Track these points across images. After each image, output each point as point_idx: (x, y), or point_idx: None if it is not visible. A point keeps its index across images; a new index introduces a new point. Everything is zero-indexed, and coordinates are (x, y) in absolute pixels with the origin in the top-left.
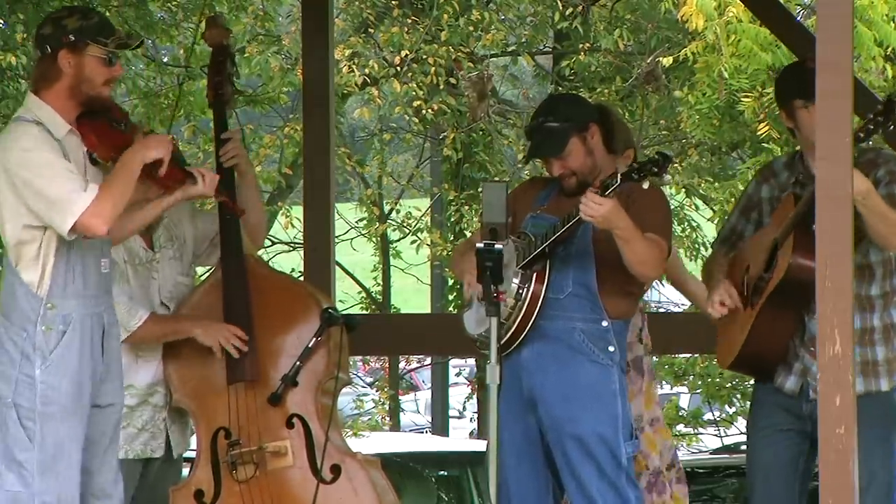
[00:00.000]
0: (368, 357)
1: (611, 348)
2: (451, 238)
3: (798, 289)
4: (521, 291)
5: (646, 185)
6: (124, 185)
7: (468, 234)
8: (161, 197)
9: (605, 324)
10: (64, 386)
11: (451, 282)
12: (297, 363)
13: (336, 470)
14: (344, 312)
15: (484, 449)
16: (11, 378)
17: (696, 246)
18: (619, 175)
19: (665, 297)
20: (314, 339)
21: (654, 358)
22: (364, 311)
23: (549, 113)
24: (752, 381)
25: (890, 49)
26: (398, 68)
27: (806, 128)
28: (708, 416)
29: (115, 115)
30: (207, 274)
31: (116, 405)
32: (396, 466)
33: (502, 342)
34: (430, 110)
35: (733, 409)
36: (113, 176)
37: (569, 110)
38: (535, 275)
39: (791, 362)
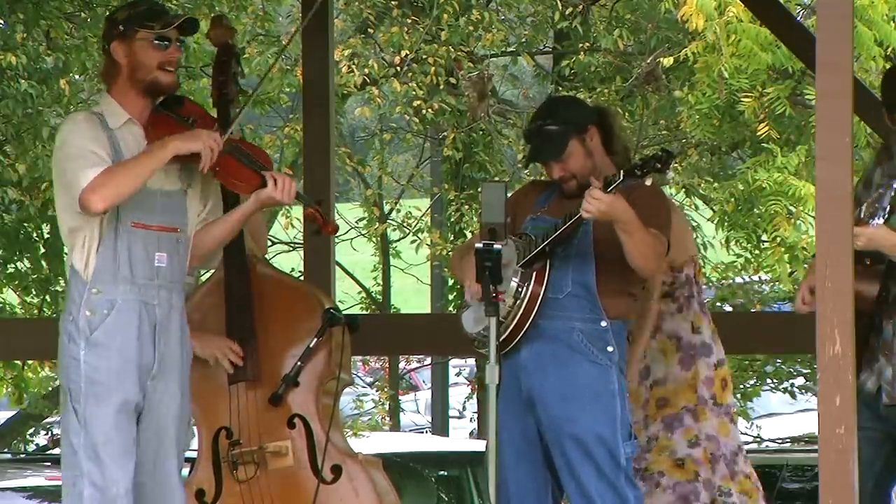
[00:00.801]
0: (368, 357)
1: (609, 348)
2: (451, 238)
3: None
4: (520, 290)
5: (648, 182)
6: (136, 168)
7: (468, 234)
8: (237, 208)
9: (603, 324)
10: (105, 367)
11: (451, 282)
12: (299, 363)
13: (337, 470)
14: (345, 312)
15: (484, 449)
16: (63, 364)
17: (697, 246)
18: (621, 172)
19: None
20: (315, 339)
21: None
22: (364, 311)
23: (548, 116)
24: (751, 382)
25: (890, 49)
26: (398, 68)
27: None
28: None
29: (185, 111)
30: (210, 275)
31: (171, 408)
32: (396, 466)
33: (500, 340)
34: (430, 110)
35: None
36: (131, 158)
37: (567, 113)
38: (534, 274)
39: (871, 363)
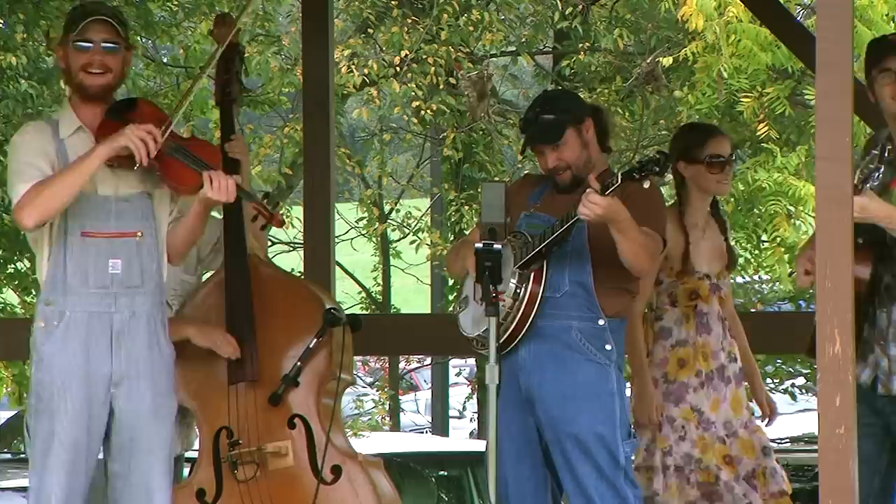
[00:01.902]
0: (368, 357)
1: (608, 347)
2: (451, 238)
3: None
4: (518, 291)
5: (646, 185)
6: (65, 180)
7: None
8: (191, 211)
9: (601, 322)
10: (48, 383)
11: (451, 282)
12: (298, 364)
13: (337, 471)
14: (348, 312)
15: (484, 449)
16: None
17: None
18: (619, 175)
19: None
20: (315, 339)
21: (738, 364)
22: (364, 311)
23: (545, 105)
24: None
25: None
26: (398, 68)
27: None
28: None
29: (135, 115)
30: (211, 273)
31: (141, 411)
32: (396, 466)
33: (500, 341)
34: (429, 110)
35: None
36: (61, 170)
37: (564, 103)
38: (532, 274)
39: (866, 354)
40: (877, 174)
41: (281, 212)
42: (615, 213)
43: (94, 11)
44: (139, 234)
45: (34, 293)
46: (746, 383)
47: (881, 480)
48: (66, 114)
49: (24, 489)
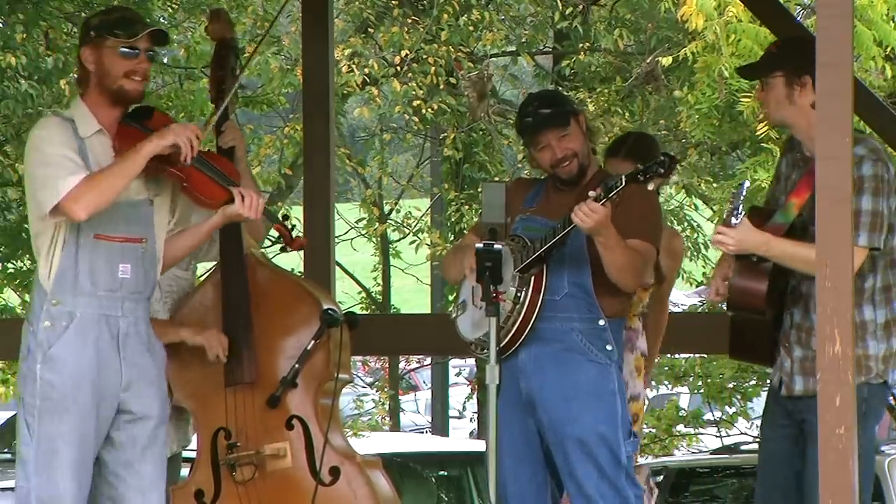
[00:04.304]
0: (368, 357)
1: (609, 347)
2: (451, 238)
3: (746, 307)
4: (518, 295)
5: (651, 187)
6: (117, 174)
7: None
8: (204, 221)
9: (602, 323)
10: (59, 383)
11: None
12: (296, 365)
13: (335, 472)
14: (345, 310)
15: (484, 449)
16: (22, 373)
17: (697, 246)
18: (623, 178)
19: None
20: (312, 341)
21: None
22: (364, 311)
23: (541, 100)
24: (751, 382)
25: (890, 49)
26: (398, 68)
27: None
28: (708, 416)
29: (152, 123)
30: (207, 274)
31: (153, 417)
32: (396, 466)
33: (501, 346)
34: (429, 110)
35: (733, 410)
36: (110, 164)
37: (560, 97)
38: (532, 279)
39: (776, 357)
40: (736, 212)
41: (297, 235)
42: (602, 229)
43: (139, 19)
44: (144, 240)
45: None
46: None
47: (798, 479)
48: (83, 113)
49: None
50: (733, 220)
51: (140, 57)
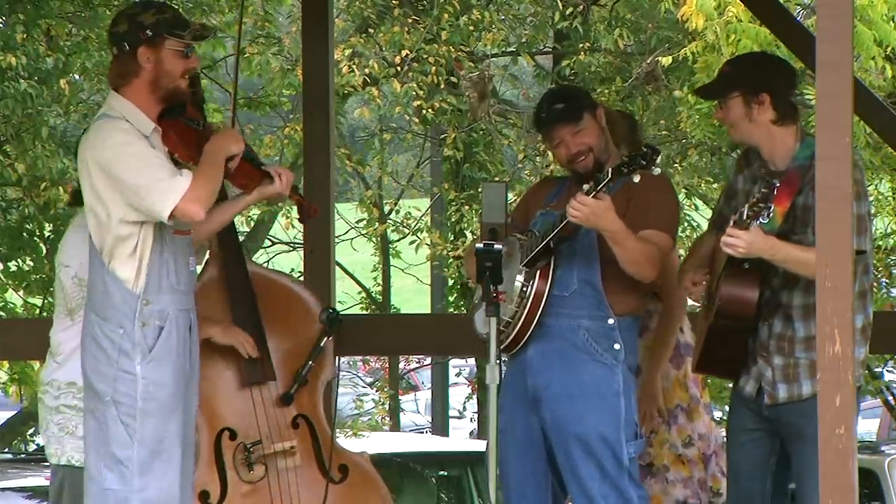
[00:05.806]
0: (368, 357)
1: (616, 346)
2: (451, 238)
3: (736, 316)
4: (524, 289)
5: (636, 179)
6: (215, 174)
7: (468, 234)
8: (238, 197)
9: (611, 321)
10: (165, 381)
11: (451, 282)
12: (310, 363)
13: (343, 469)
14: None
15: (484, 449)
16: (110, 376)
17: None
18: (609, 171)
19: None
20: (326, 338)
21: None
22: (364, 312)
23: (556, 95)
24: None
25: (890, 49)
26: (398, 68)
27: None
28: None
29: (191, 114)
30: (200, 272)
31: (195, 408)
32: (396, 466)
33: (509, 341)
34: (430, 110)
35: None
36: (202, 166)
37: (575, 92)
38: (538, 272)
39: (749, 366)
40: (766, 213)
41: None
42: (602, 222)
43: (187, 22)
44: (191, 231)
45: (35, 292)
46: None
47: (774, 482)
48: (133, 111)
49: (24, 489)
50: (760, 221)
51: (193, 55)
